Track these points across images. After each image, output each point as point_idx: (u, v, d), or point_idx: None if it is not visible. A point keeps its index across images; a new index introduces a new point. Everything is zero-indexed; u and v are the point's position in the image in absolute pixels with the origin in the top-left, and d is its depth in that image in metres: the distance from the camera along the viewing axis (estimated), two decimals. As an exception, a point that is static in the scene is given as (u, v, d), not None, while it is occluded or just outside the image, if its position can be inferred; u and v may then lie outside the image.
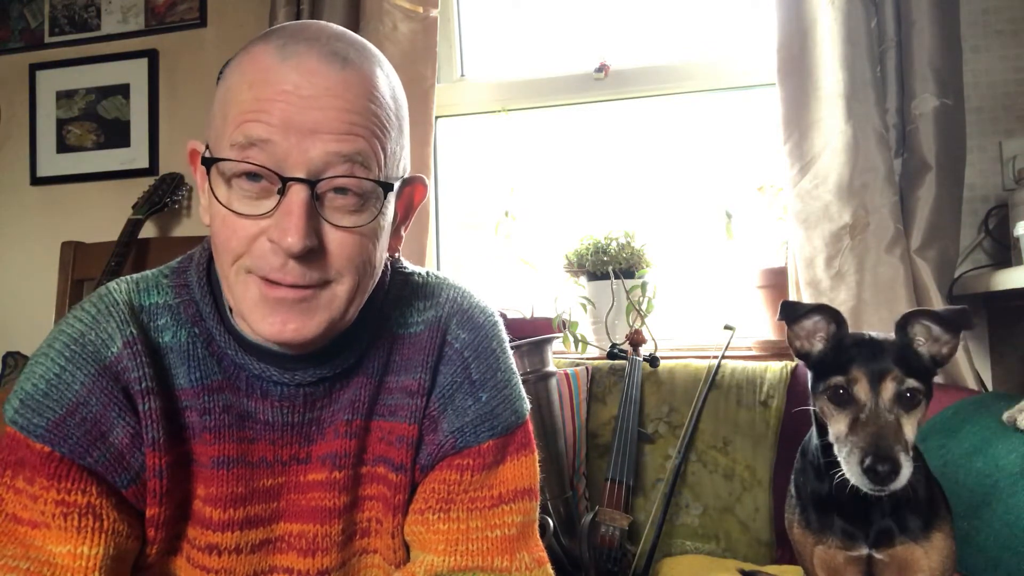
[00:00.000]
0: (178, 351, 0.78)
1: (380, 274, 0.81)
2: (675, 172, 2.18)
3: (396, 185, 0.76)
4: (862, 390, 0.91)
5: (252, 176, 0.69)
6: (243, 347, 0.79)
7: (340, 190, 0.71)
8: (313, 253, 0.70)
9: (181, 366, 0.78)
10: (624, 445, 1.68)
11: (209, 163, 0.71)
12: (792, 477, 1.08)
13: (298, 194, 0.68)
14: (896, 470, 0.85)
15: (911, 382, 0.90)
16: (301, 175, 0.68)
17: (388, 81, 0.76)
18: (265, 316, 0.71)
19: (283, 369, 0.78)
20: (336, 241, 0.71)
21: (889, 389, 0.90)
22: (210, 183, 0.71)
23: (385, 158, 0.73)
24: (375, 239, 0.75)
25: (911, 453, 0.89)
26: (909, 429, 0.90)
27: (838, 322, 1.00)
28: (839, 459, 0.91)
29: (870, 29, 1.71)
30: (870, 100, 1.68)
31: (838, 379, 0.93)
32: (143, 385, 0.75)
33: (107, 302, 0.78)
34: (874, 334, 0.97)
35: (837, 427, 0.93)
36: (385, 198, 0.74)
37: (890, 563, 0.95)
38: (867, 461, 0.86)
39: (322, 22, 0.77)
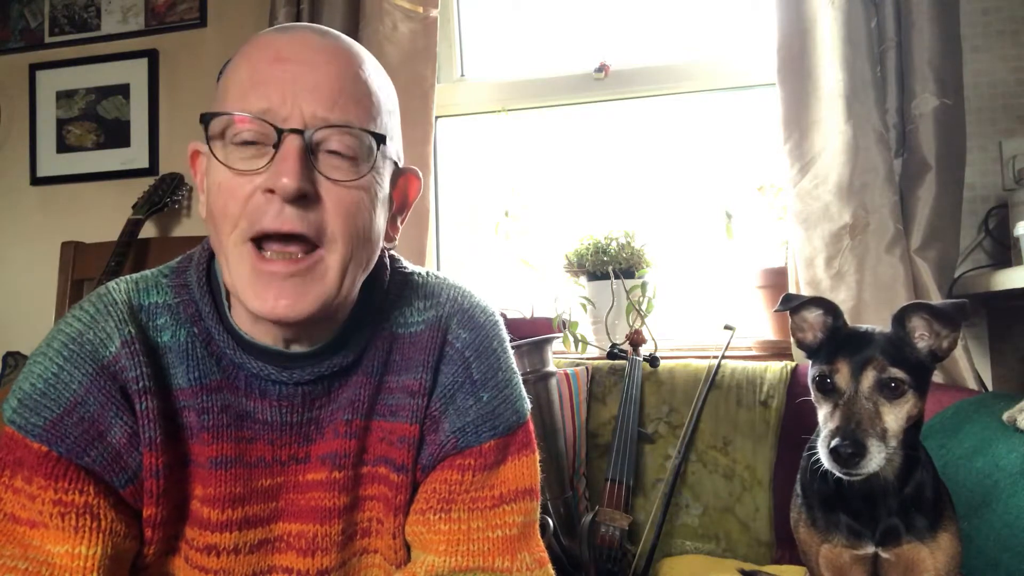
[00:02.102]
0: (177, 351, 0.79)
1: (376, 253, 0.81)
2: (675, 172, 2.17)
3: (391, 152, 0.78)
4: (843, 378, 0.93)
5: (250, 142, 0.72)
6: (242, 346, 0.79)
7: (334, 152, 0.73)
8: (308, 201, 0.71)
9: (180, 366, 0.78)
10: (624, 445, 1.68)
11: (208, 119, 0.73)
12: (798, 476, 1.08)
13: (293, 142, 0.70)
14: (861, 453, 0.87)
15: (894, 371, 0.91)
16: (296, 127, 0.71)
17: (377, 66, 0.80)
18: (258, 292, 0.72)
19: (281, 368, 0.79)
20: (332, 197, 0.72)
21: (869, 378, 0.92)
22: (209, 146, 0.73)
23: (376, 124, 0.76)
24: (370, 202, 0.76)
25: (892, 442, 0.90)
26: (891, 418, 0.91)
27: (834, 315, 1.02)
28: (817, 445, 0.93)
29: (870, 29, 1.71)
30: (870, 100, 1.68)
31: (823, 368, 0.96)
32: (141, 385, 0.75)
33: (106, 301, 0.78)
34: (869, 327, 0.98)
35: (821, 415, 0.96)
36: (378, 151, 0.75)
37: (896, 563, 0.95)
38: (833, 443, 0.88)
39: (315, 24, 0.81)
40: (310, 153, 0.71)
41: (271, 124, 0.70)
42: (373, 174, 0.75)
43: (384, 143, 0.76)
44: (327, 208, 0.72)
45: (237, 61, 0.75)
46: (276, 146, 0.70)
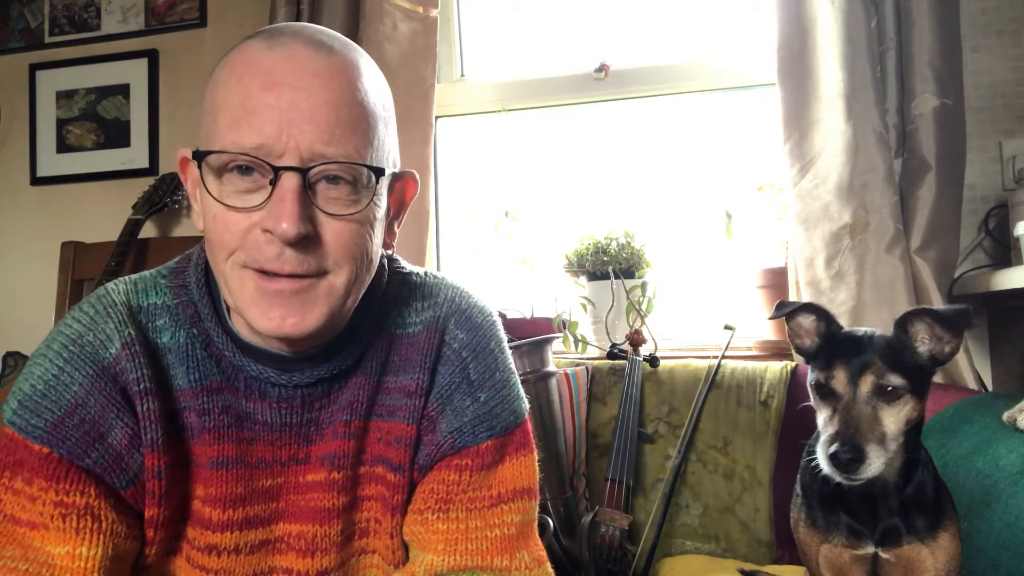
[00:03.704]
0: (177, 352, 0.78)
1: (376, 267, 0.81)
2: (675, 172, 2.17)
3: (387, 171, 0.76)
4: (840, 383, 0.94)
5: (243, 169, 0.70)
6: (241, 348, 0.79)
7: (332, 180, 0.71)
8: (308, 241, 0.70)
9: (180, 367, 0.78)
10: (624, 445, 1.68)
11: (200, 156, 0.71)
12: (798, 476, 1.08)
13: (290, 181, 0.68)
14: (860, 458, 0.87)
15: (893, 377, 0.91)
16: (292, 164, 0.69)
17: (372, 72, 0.77)
18: (264, 311, 0.71)
19: (281, 370, 0.79)
20: (332, 231, 0.71)
21: (868, 382, 0.92)
22: (202, 178, 0.71)
23: (374, 147, 0.74)
24: (370, 229, 0.75)
25: (892, 446, 0.90)
26: (890, 421, 0.91)
27: (827, 319, 1.02)
28: (816, 450, 0.93)
29: (870, 29, 1.71)
30: (870, 100, 1.68)
31: (821, 373, 0.96)
32: (141, 386, 0.75)
33: (105, 303, 0.78)
34: (866, 330, 0.98)
35: (820, 419, 0.96)
36: (377, 183, 0.74)
37: (896, 563, 0.95)
38: (832, 448, 0.88)
39: (305, 23, 0.78)
40: (307, 188, 0.70)
41: (267, 162, 0.68)
42: (372, 202, 0.74)
43: (382, 174, 0.75)
44: (327, 243, 0.71)
45: (227, 77, 0.71)
46: (272, 182, 0.69)
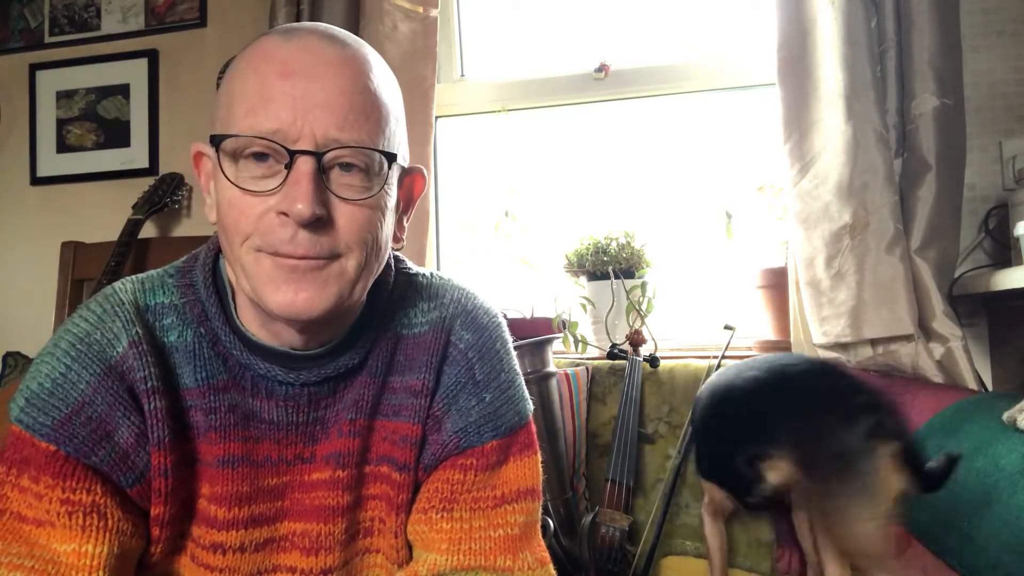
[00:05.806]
0: (183, 351, 0.79)
1: (385, 257, 0.82)
2: (675, 172, 2.17)
3: (398, 159, 0.77)
4: None
5: (259, 156, 0.71)
6: (248, 347, 0.79)
7: (345, 167, 0.72)
8: (321, 224, 0.71)
9: (187, 365, 0.78)
10: (624, 445, 1.68)
11: (218, 141, 0.72)
12: None
13: (305, 164, 0.69)
14: None
15: None
16: (307, 148, 0.70)
17: (383, 67, 0.78)
18: (278, 287, 0.71)
19: (288, 369, 0.79)
20: (345, 216, 0.72)
21: None
22: (219, 163, 0.72)
23: (385, 136, 0.75)
24: (381, 216, 0.76)
25: None
26: None
27: None
28: None
29: (870, 29, 1.71)
30: (870, 100, 1.68)
31: None
32: (149, 385, 0.75)
33: (112, 302, 0.78)
34: None
35: None
36: (389, 170, 0.75)
37: None
38: None
39: (318, 22, 0.80)
40: (322, 173, 0.71)
41: (283, 146, 0.69)
42: (384, 189, 0.75)
43: (395, 160, 0.75)
44: (340, 227, 0.72)
45: (243, 69, 0.73)
46: (288, 166, 0.70)
